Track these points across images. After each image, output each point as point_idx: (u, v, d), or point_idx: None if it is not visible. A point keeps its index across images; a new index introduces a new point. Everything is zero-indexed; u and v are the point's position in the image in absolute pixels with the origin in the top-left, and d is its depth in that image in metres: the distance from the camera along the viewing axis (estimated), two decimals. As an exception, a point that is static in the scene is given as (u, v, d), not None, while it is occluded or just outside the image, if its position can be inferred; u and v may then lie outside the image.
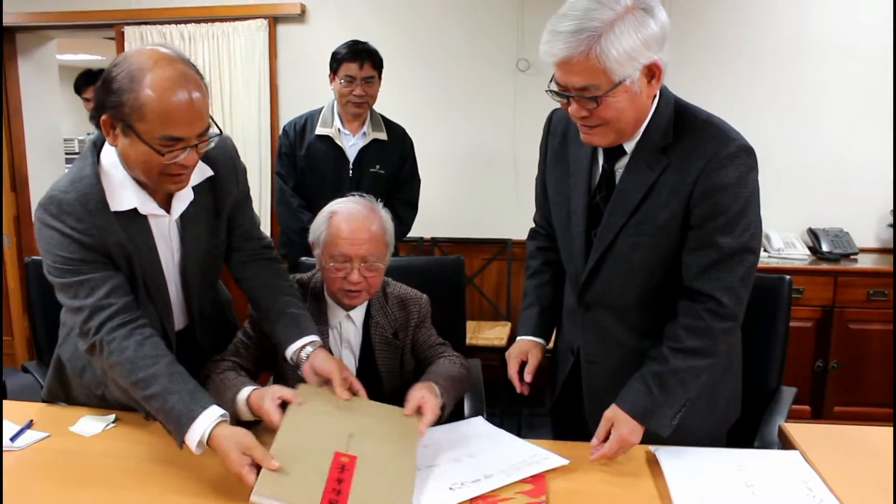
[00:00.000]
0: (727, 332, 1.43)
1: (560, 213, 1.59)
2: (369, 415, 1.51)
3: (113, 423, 1.68)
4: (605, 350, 1.59)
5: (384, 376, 1.82)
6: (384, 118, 3.03)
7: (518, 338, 1.75)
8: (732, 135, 1.39)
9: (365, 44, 2.87)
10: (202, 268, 1.67)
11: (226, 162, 1.63)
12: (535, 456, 1.47)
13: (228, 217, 1.69)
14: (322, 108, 3.00)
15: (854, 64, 3.55)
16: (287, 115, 4.00)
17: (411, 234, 4.00)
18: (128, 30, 3.96)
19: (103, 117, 1.38)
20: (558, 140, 1.59)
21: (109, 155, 1.49)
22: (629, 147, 1.43)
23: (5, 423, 1.63)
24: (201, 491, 1.37)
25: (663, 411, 1.43)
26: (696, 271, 1.42)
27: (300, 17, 3.88)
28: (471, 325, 3.66)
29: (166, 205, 1.55)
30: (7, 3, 4.11)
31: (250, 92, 3.95)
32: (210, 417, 1.37)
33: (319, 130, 2.91)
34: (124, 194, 1.48)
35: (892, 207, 3.55)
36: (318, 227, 1.74)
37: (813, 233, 3.58)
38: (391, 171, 2.97)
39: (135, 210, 1.49)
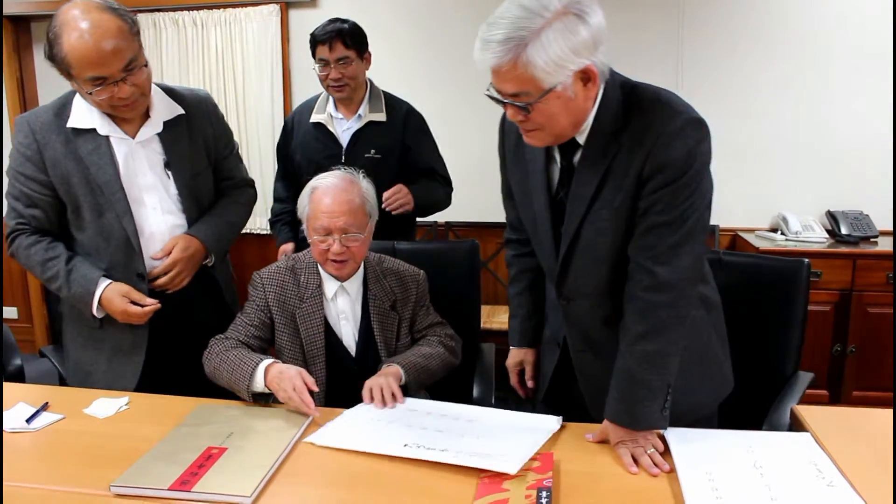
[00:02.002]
0: (670, 305, 1.38)
1: (527, 212, 1.59)
2: (256, 417, 1.61)
3: (126, 405, 1.71)
4: (589, 338, 1.59)
5: (381, 347, 1.88)
6: (389, 96, 2.81)
7: (511, 348, 1.84)
8: (680, 108, 1.37)
9: (338, 22, 2.64)
10: (192, 187, 1.88)
11: (198, 105, 1.92)
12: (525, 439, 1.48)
13: (214, 164, 1.97)
14: (322, 93, 2.85)
15: (874, 44, 3.48)
16: (299, 100, 3.97)
17: (427, 218, 4.02)
18: (140, 17, 3.96)
19: (56, 67, 1.63)
20: (514, 140, 1.58)
21: None
22: (581, 139, 1.41)
23: (22, 405, 1.67)
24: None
25: (646, 408, 1.40)
26: (633, 243, 1.41)
27: (312, 1, 3.88)
28: (485, 310, 3.66)
29: (135, 133, 1.79)
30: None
31: (263, 77, 3.96)
32: (100, 287, 1.77)
33: (313, 118, 2.75)
34: (87, 116, 1.74)
35: (912, 189, 3.50)
36: (303, 203, 1.85)
37: (832, 215, 3.54)
38: (390, 154, 2.72)
39: (94, 131, 1.74)
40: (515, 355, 1.84)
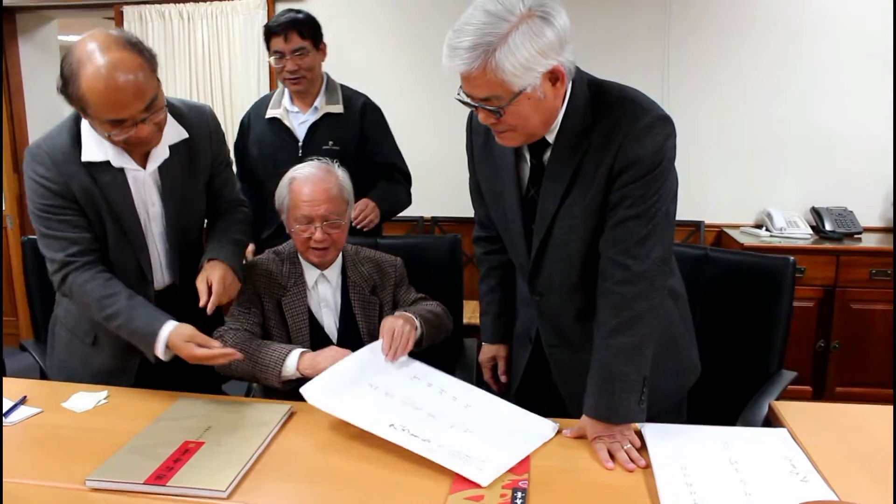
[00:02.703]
0: (643, 297, 1.40)
1: (497, 210, 1.61)
2: (234, 411, 1.60)
3: (105, 399, 1.70)
4: (562, 333, 1.61)
5: (364, 333, 1.89)
6: (346, 88, 2.75)
7: (483, 344, 1.88)
8: (647, 106, 1.40)
9: (292, 12, 2.55)
10: (180, 217, 1.80)
11: (201, 126, 1.80)
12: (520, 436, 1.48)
13: (207, 180, 1.87)
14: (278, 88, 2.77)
15: (859, 41, 3.51)
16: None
17: (412, 213, 4.00)
18: (127, 10, 3.96)
19: (70, 103, 1.55)
20: (482, 138, 1.59)
21: None
22: (551, 137, 1.43)
23: (-1, 399, 1.66)
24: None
25: (623, 401, 1.41)
26: (604, 238, 1.43)
27: (299, -6, 3.86)
28: (469, 305, 3.65)
29: (143, 162, 1.71)
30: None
31: (249, 70, 3.95)
32: (167, 328, 1.63)
33: (269, 113, 2.67)
34: (99, 148, 1.64)
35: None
36: (281, 194, 1.87)
37: (816, 212, 3.56)
38: (349, 146, 2.64)
39: (108, 163, 1.65)
40: (488, 351, 1.87)
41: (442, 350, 2.02)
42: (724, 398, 2.02)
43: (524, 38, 1.24)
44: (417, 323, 1.79)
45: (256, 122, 2.72)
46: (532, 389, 1.70)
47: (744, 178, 3.71)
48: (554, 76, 1.32)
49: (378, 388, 1.59)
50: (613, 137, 1.37)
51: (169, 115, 1.68)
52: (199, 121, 1.80)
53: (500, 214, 1.59)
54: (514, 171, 1.51)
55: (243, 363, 1.73)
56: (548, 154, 1.45)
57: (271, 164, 2.63)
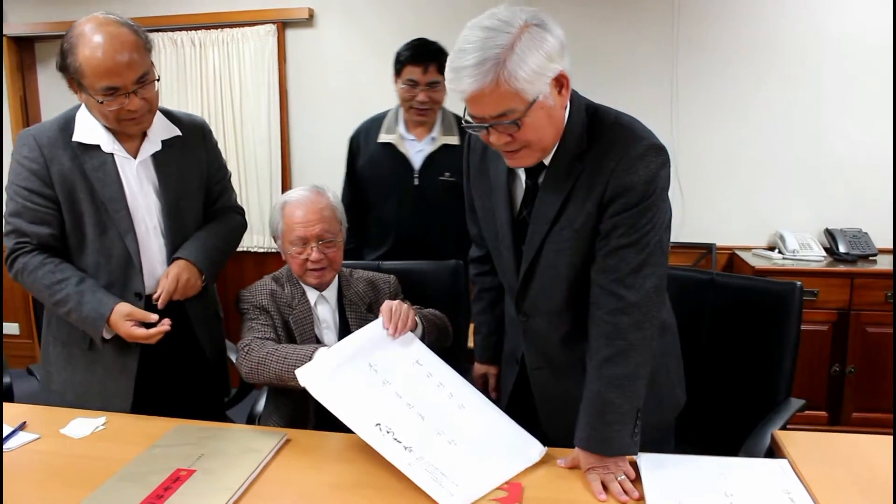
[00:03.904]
0: (636, 326, 1.38)
1: (489, 228, 1.61)
2: (228, 438, 1.59)
3: (103, 425, 1.71)
4: (546, 356, 1.60)
5: None
6: (460, 119, 2.75)
7: (475, 363, 1.91)
8: (642, 134, 1.39)
9: (432, 44, 2.60)
10: (176, 212, 1.85)
11: (193, 128, 1.92)
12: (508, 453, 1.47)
13: (206, 189, 1.96)
14: (388, 111, 2.76)
15: (872, 61, 3.46)
16: (296, 119, 4.06)
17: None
18: (140, 36, 4.02)
19: (67, 79, 1.67)
20: (478, 156, 1.59)
21: None
22: (547, 160, 1.42)
23: (-2, 425, 1.67)
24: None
25: (617, 432, 1.38)
26: (596, 267, 1.42)
27: (308, 21, 3.90)
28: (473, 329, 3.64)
29: (135, 152, 1.79)
30: (26, 13, 4.22)
31: (260, 96, 3.98)
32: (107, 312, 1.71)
33: (382, 138, 2.68)
34: (92, 132, 1.75)
35: (911, 207, 3.47)
36: (275, 220, 1.90)
37: (830, 233, 3.50)
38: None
39: (99, 147, 1.74)
40: (479, 369, 1.90)
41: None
42: (731, 426, 1.99)
43: (529, 45, 1.24)
44: (417, 318, 1.77)
45: (367, 144, 2.72)
46: (518, 410, 1.68)
47: (756, 199, 3.67)
48: (559, 83, 1.31)
49: (378, 371, 1.56)
50: (605, 164, 1.36)
51: (164, 115, 1.85)
52: (192, 125, 1.93)
53: (492, 234, 1.59)
54: (507, 190, 1.51)
55: (272, 365, 1.70)
56: (542, 176, 1.45)
57: (383, 190, 2.69)
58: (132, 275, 1.80)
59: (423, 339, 1.77)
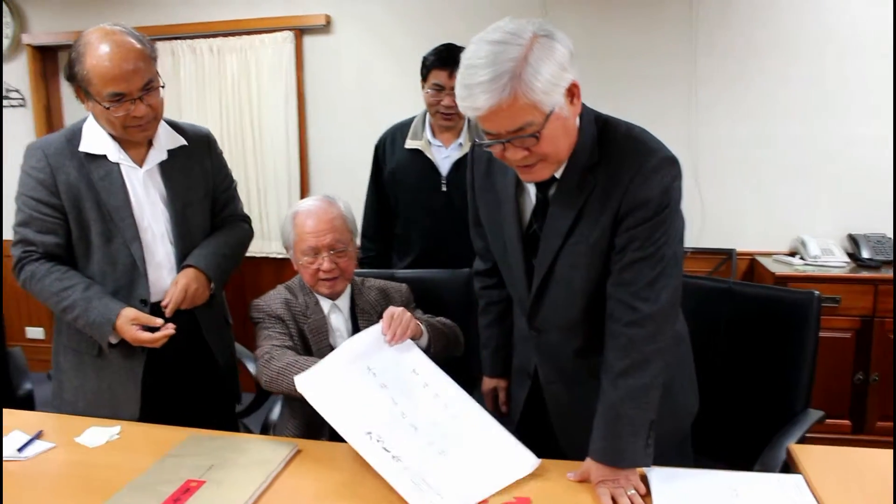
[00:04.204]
0: (651, 339, 1.38)
1: (496, 242, 1.60)
2: (239, 449, 1.60)
3: (117, 434, 1.72)
4: (560, 370, 1.59)
5: None
6: None
7: (484, 377, 1.88)
8: (654, 146, 1.38)
9: (458, 48, 2.43)
10: (183, 220, 1.89)
11: (198, 139, 1.97)
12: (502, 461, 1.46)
13: (212, 198, 1.99)
14: (414, 117, 2.74)
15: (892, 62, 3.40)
16: (314, 125, 4.07)
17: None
18: (159, 45, 4.01)
19: (74, 87, 1.73)
20: (483, 168, 1.58)
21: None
22: (558, 173, 1.41)
23: (17, 433, 1.69)
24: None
25: (630, 444, 1.38)
26: (612, 280, 1.41)
27: (325, 27, 3.91)
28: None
29: (141, 162, 1.84)
30: (49, 23, 4.29)
31: (278, 103, 3.99)
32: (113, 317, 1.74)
33: (409, 144, 2.66)
34: (99, 142, 1.79)
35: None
36: (286, 230, 1.91)
37: (853, 238, 3.44)
38: None
39: (105, 157, 1.78)
40: (489, 383, 1.88)
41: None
42: (748, 437, 1.96)
43: (542, 55, 1.23)
44: (422, 327, 1.76)
45: (394, 150, 2.72)
46: (532, 424, 1.67)
47: (777, 204, 3.62)
48: (571, 92, 1.30)
49: (376, 374, 1.57)
50: (620, 178, 1.35)
51: (169, 126, 1.90)
52: (197, 135, 1.97)
53: (500, 247, 1.58)
54: (515, 203, 1.50)
55: (291, 377, 1.67)
56: (553, 189, 1.44)
57: (410, 196, 2.69)
58: (137, 282, 1.82)
59: (428, 347, 1.76)
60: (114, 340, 1.78)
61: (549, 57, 1.23)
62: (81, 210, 1.78)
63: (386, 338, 1.65)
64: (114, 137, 1.79)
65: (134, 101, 1.69)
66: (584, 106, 1.39)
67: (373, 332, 1.67)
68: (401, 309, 1.71)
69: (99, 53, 1.65)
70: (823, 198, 3.56)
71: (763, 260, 3.53)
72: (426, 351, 1.74)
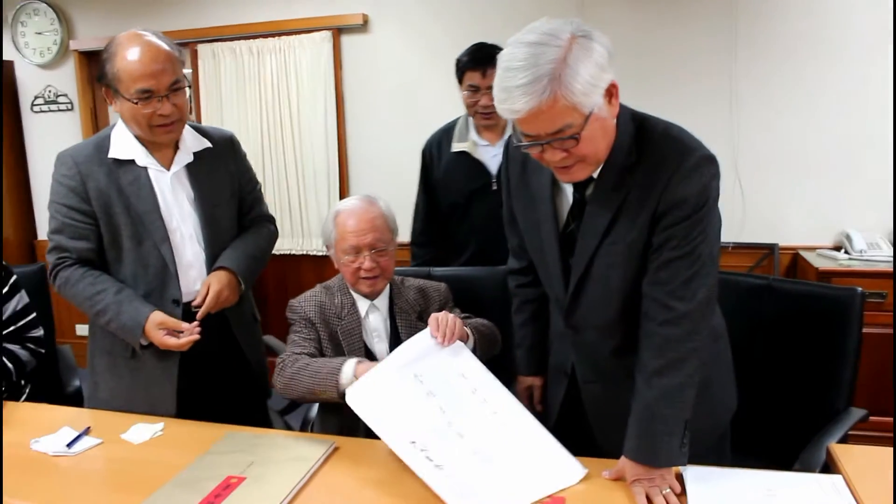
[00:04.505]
0: (687, 337, 1.37)
1: (532, 241, 1.60)
2: (278, 446, 1.63)
3: (161, 431, 1.77)
4: (599, 369, 1.59)
5: None
6: None
7: (518, 376, 1.87)
8: (693, 145, 1.36)
9: (490, 46, 2.54)
10: (212, 220, 1.94)
11: (223, 142, 2.02)
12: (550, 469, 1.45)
13: (238, 199, 2.04)
14: (458, 119, 2.74)
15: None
16: (352, 124, 4.11)
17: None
18: (200, 47, 4.15)
19: (103, 89, 1.80)
20: (518, 167, 1.58)
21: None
22: (595, 172, 1.40)
23: (66, 429, 1.76)
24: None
25: (665, 443, 1.37)
26: (648, 279, 1.40)
27: (363, 27, 3.95)
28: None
29: (168, 165, 1.89)
30: (95, 28, 4.41)
31: (317, 102, 4.04)
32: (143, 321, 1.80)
33: (455, 147, 2.66)
34: (127, 148, 1.84)
35: None
36: (328, 229, 1.93)
37: (901, 232, 3.35)
38: None
39: (134, 162, 1.84)
40: (524, 381, 1.87)
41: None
42: (789, 436, 1.94)
43: (580, 56, 1.22)
44: (468, 330, 1.76)
45: (440, 155, 2.74)
46: (569, 423, 1.67)
47: (821, 197, 3.54)
48: (609, 92, 1.29)
49: (423, 381, 1.56)
50: (659, 177, 1.35)
51: (195, 130, 1.96)
52: (221, 137, 2.02)
53: (536, 246, 1.58)
54: (551, 202, 1.50)
55: (304, 379, 1.73)
56: (591, 189, 1.43)
57: (462, 197, 2.69)
58: (169, 283, 1.87)
59: (474, 350, 1.75)
60: (144, 343, 1.83)
61: (588, 58, 1.23)
62: (112, 215, 1.83)
63: (435, 340, 1.63)
64: (141, 142, 1.85)
65: (161, 99, 1.75)
66: (620, 104, 1.38)
67: (420, 338, 1.65)
68: (444, 312, 1.71)
69: (129, 53, 1.72)
70: (869, 191, 3.46)
71: (807, 255, 3.45)
72: (473, 352, 1.73)
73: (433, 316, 1.68)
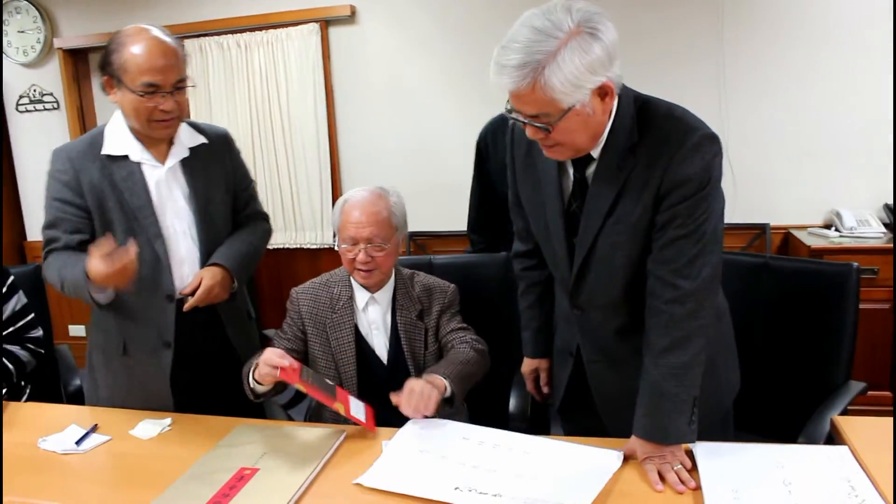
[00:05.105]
0: (693, 315, 1.39)
1: (537, 222, 1.61)
2: (289, 437, 1.65)
3: (169, 426, 1.78)
4: (603, 348, 1.60)
5: (409, 357, 1.92)
6: None
7: (525, 358, 1.90)
8: (695, 124, 1.38)
9: None
10: (206, 217, 1.93)
11: (218, 138, 2.01)
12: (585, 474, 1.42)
13: (233, 196, 2.04)
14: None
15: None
16: (343, 115, 4.11)
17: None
18: (188, 42, 4.10)
19: (104, 78, 1.79)
20: (524, 150, 1.59)
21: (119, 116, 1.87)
22: (596, 153, 1.42)
23: (73, 427, 1.76)
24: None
25: (674, 421, 1.39)
26: (653, 258, 1.42)
27: (350, 18, 3.94)
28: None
29: (162, 160, 1.89)
30: (80, 26, 4.37)
31: (306, 94, 4.03)
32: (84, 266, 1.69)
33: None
34: (121, 143, 1.84)
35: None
36: (335, 215, 1.94)
37: (890, 208, 3.39)
38: None
39: (127, 158, 1.84)
40: (530, 364, 1.90)
41: (498, 368, 2.03)
42: (790, 411, 1.96)
43: (573, 55, 1.23)
44: (447, 384, 1.71)
45: (496, 142, 2.73)
46: (575, 404, 1.69)
47: (810, 176, 3.58)
48: (603, 91, 1.31)
49: (431, 452, 1.53)
50: (661, 156, 1.36)
51: (190, 126, 1.96)
52: (216, 134, 2.03)
53: (541, 227, 1.59)
54: (558, 183, 1.51)
55: (245, 385, 1.77)
56: (591, 169, 1.45)
57: None
58: (162, 278, 1.87)
59: (451, 398, 1.71)
60: (99, 293, 1.76)
61: (580, 58, 1.24)
62: (105, 210, 1.84)
63: (418, 422, 1.63)
64: (136, 137, 1.85)
65: (165, 94, 1.76)
66: (623, 86, 1.39)
67: (408, 427, 1.64)
68: (422, 383, 1.67)
69: (139, 45, 1.73)
70: (858, 168, 3.51)
71: (798, 233, 3.49)
72: (450, 402, 1.71)
73: (408, 387, 1.65)
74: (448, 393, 1.70)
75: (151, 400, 1.90)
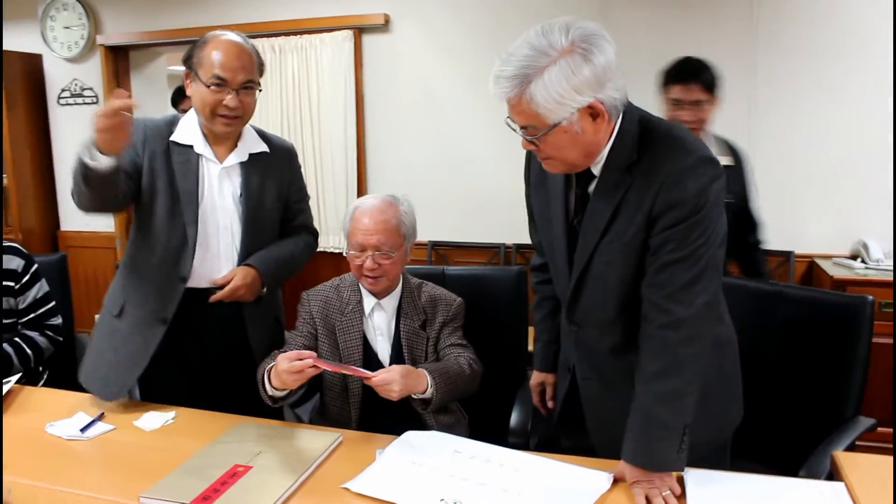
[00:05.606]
0: (686, 343, 1.36)
1: (546, 237, 1.62)
2: (286, 437, 1.66)
3: (172, 419, 1.81)
4: (596, 366, 1.60)
5: (409, 364, 1.89)
6: (729, 143, 2.67)
7: (534, 371, 1.91)
8: (692, 146, 1.36)
9: (696, 62, 2.49)
10: (254, 219, 1.99)
11: (281, 151, 2.09)
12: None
13: (285, 207, 2.10)
14: None
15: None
16: (372, 123, 4.15)
17: (493, 240, 4.01)
18: (224, 44, 4.19)
19: (185, 72, 1.91)
20: (538, 165, 1.58)
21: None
22: (596, 170, 1.42)
23: (81, 414, 1.80)
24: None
25: (662, 447, 1.37)
26: (647, 282, 1.40)
27: (384, 26, 3.99)
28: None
29: (223, 159, 1.96)
30: (121, 24, 4.48)
31: (337, 101, 4.09)
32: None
33: None
34: (189, 134, 1.94)
35: None
36: (345, 221, 1.97)
37: (919, 243, 3.32)
38: (740, 198, 2.62)
39: (192, 148, 1.92)
40: (537, 377, 1.91)
41: (504, 379, 2.03)
42: (795, 443, 1.93)
43: (560, 73, 1.25)
44: (428, 379, 1.75)
45: None
46: (571, 419, 1.68)
47: (837, 204, 3.52)
48: (593, 112, 1.31)
49: (422, 464, 1.54)
50: (654, 177, 1.35)
51: (258, 133, 2.05)
52: (281, 146, 2.11)
53: (549, 242, 1.60)
54: (564, 198, 1.52)
55: (259, 385, 1.78)
56: (593, 186, 1.45)
57: None
58: (183, 261, 1.91)
59: (429, 400, 1.75)
60: (87, 158, 1.69)
61: (566, 77, 1.25)
62: (154, 180, 1.90)
63: (411, 437, 1.64)
64: (203, 133, 1.93)
65: (231, 91, 1.84)
66: (630, 105, 1.39)
67: (403, 437, 1.66)
68: (397, 378, 1.67)
69: (219, 44, 1.86)
70: (887, 200, 3.43)
71: (822, 263, 3.44)
72: (428, 403, 1.75)
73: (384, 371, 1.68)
74: (427, 389, 1.74)
75: (119, 369, 1.91)
